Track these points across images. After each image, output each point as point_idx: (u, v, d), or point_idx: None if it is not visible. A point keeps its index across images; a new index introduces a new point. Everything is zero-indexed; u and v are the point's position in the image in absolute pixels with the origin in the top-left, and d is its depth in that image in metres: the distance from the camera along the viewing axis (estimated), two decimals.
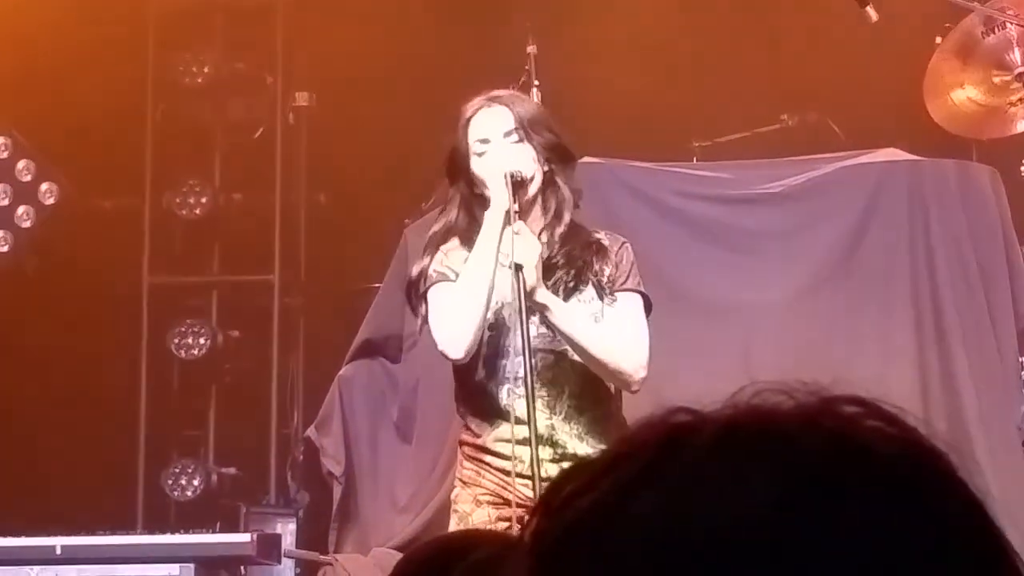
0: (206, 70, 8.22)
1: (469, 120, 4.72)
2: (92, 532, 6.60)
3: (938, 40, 6.52)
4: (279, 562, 6.94)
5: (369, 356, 6.77)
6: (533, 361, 4.54)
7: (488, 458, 4.61)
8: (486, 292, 4.59)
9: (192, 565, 6.24)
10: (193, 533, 6.75)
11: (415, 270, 4.79)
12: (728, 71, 7.84)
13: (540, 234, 4.71)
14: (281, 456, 8.19)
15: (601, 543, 0.93)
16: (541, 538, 0.96)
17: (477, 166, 4.66)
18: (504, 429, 4.55)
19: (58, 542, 6.35)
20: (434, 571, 2.33)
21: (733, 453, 0.93)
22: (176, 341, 8.01)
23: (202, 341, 8.09)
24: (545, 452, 4.48)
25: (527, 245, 4.53)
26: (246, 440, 8.28)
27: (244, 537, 6.64)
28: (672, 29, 7.78)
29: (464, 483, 4.65)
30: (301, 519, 7.56)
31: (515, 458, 4.49)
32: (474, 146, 4.67)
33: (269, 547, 6.68)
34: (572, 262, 4.72)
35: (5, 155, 8.14)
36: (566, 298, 4.67)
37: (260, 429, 8.29)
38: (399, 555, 5.55)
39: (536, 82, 7.19)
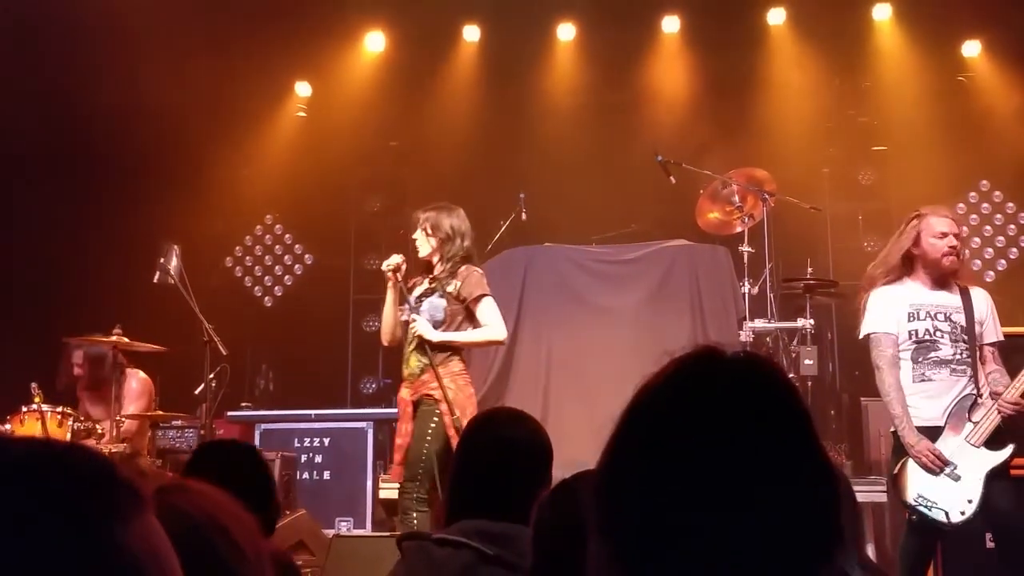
0: (379, 204, 8.04)
1: None
2: (327, 408, 6.68)
3: (701, 191, 6.32)
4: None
5: None
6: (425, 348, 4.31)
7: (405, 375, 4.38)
8: (389, 320, 4.43)
9: (372, 422, 6.33)
10: (371, 408, 6.91)
11: None
12: (606, 207, 7.38)
13: (437, 268, 4.40)
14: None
15: (648, 412, 0.85)
16: (631, 403, 0.87)
17: None
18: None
19: (312, 412, 6.48)
20: (476, 424, 2.28)
21: (729, 370, 0.85)
22: (365, 323, 7.91)
23: (375, 324, 7.60)
24: (423, 362, 4.30)
25: (421, 323, 4.28)
26: (395, 369, 8.20)
27: (394, 409, 6.19)
28: (587, 179, 7.47)
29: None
30: None
31: (409, 374, 4.33)
32: None
33: None
34: (438, 283, 4.37)
35: (289, 241, 8.20)
36: (424, 297, 4.35)
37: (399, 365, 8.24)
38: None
39: (524, 210, 7.14)
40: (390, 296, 4.44)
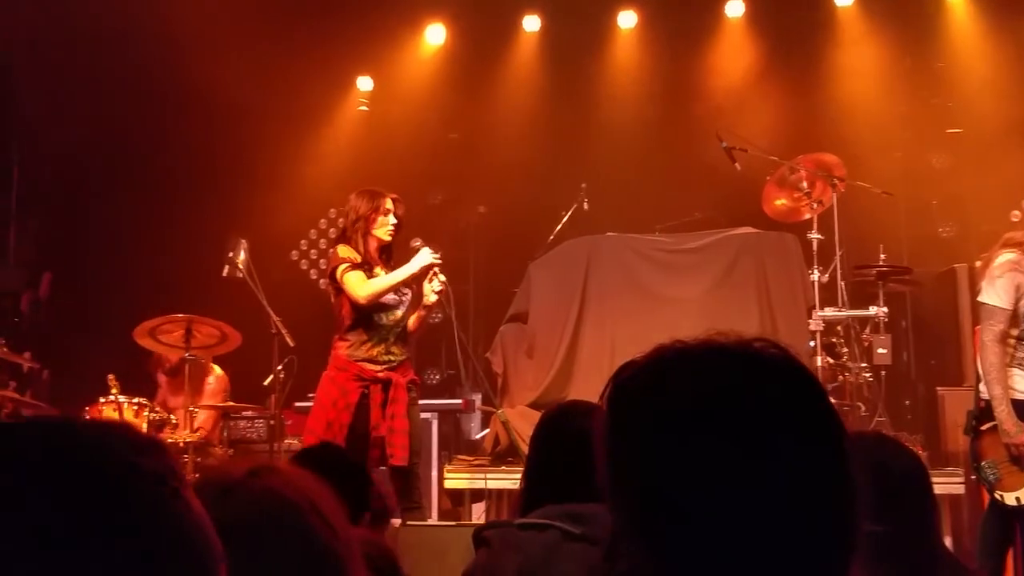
0: (440, 196, 7.99)
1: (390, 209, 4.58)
2: None
3: (768, 177, 6.22)
4: (473, 411, 6.93)
5: (513, 321, 6.50)
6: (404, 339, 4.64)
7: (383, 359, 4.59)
8: (390, 287, 4.51)
9: (437, 413, 6.34)
10: (435, 399, 6.72)
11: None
12: (669, 195, 7.32)
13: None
14: (474, 366, 8.06)
15: (631, 398, 0.89)
16: (610, 394, 0.90)
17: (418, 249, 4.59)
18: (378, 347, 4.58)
19: None
20: (553, 416, 2.27)
21: (684, 360, 0.89)
22: (430, 315, 7.71)
23: (438, 316, 7.42)
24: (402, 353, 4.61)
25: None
26: (455, 360, 8.12)
27: (458, 400, 6.77)
28: (650, 167, 7.47)
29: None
30: (484, 393, 7.42)
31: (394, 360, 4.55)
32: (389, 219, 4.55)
33: (469, 405, 6.72)
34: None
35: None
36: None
37: (461, 355, 8.15)
38: (529, 410, 5.69)
39: (586, 200, 7.18)
40: (409, 273, 4.56)
